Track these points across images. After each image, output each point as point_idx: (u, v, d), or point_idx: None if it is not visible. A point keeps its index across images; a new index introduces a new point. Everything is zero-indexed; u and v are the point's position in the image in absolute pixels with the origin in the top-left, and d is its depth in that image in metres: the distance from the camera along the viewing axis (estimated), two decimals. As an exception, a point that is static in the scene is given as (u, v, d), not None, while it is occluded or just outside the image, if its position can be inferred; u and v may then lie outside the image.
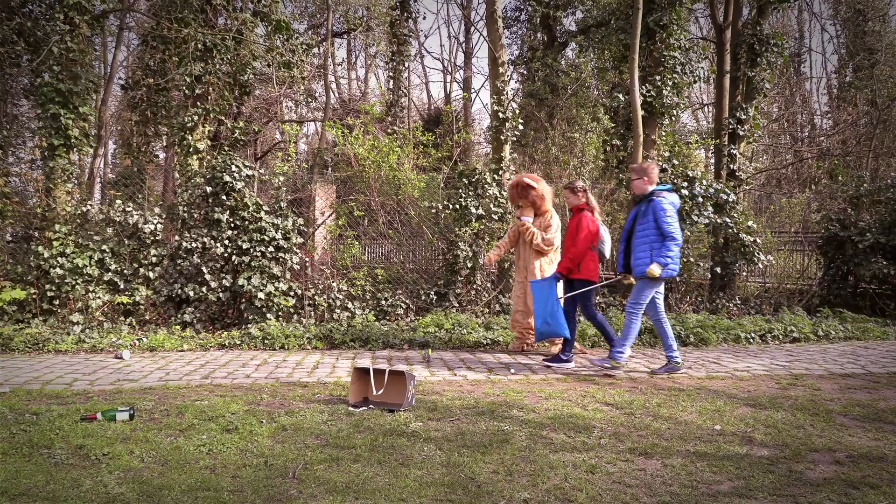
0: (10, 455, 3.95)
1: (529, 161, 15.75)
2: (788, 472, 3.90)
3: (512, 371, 6.75)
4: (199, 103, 10.75)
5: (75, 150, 9.60)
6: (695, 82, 13.32)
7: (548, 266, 7.68)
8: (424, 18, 52.45)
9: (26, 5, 10.55)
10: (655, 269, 6.32)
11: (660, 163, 10.93)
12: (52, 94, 9.26)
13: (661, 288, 6.75)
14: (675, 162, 11.11)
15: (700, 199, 10.40)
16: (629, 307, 6.65)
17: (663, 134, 11.84)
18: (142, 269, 8.86)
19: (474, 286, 9.95)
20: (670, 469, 3.92)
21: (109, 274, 8.79)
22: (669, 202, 6.46)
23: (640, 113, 10.95)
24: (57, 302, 8.70)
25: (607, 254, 7.30)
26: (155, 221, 9.11)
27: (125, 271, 8.88)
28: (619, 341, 6.69)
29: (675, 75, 11.67)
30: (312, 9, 21.41)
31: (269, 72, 13.38)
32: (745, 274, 12.04)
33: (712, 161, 15.21)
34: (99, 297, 8.68)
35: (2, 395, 5.44)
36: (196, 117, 10.66)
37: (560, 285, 7.22)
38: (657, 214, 6.39)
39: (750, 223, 10.82)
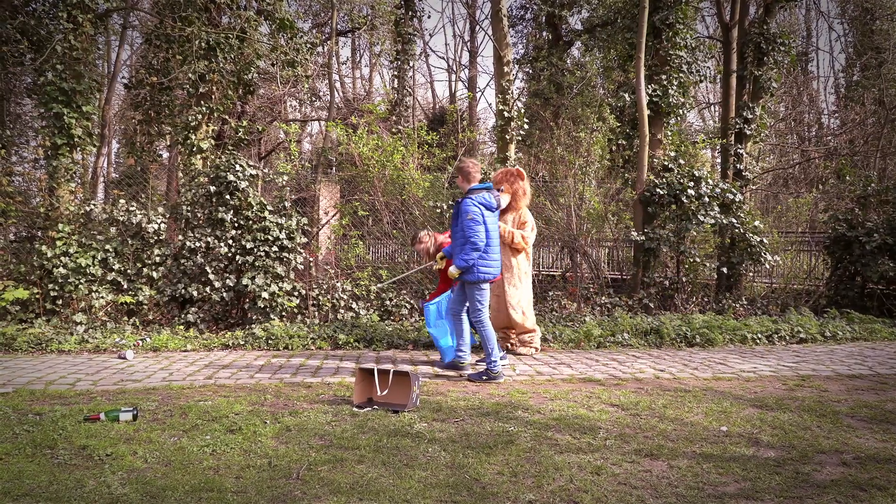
0: (14, 455, 3.94)
1: (534, 160, 15.71)
2: (795, 474, 3.87)
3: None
4: (202, 102, 10.73)
5: (78, 149, 9.60)
6: (701, 81, 13.26)
7: (524, 262, 7.56)
8: (429, 17, 52.57)
9: (30, 4, 10.55)
10: (453, 271, 6.23)
11: (665, 162, 10.89)
12: (55, 93, 9.26)
13: (488, 290, 6.49)
14: (682, 161, 11.06)
15: (706, 199, 10.34)
16: (471, 317, 6.44)
17: (669, 133, 11.79)
18: (145, 269, 8.85)
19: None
20: (676, 470, 3.89)
21: (113, 274, 8.78)
22: (478, 203, 6.20)
23: (646, 112, 10.91)
24: (60, 302, 8.69)
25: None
26: (158, 221, 9.09)
27: (128, 271, 8.86)
28: (486, 351, 6.36)
29: (681, 74, 11.61)
30: (317, 7, 21.41)
31: (273, 71, 13.36)
32: (751, 274, 11.98)
33: (719, 161, 15.16)
34: (102, 297, 8.66)
35: (5, 396, 5.42)
36: (200, 116, 10.64)
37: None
38: (461, 216, 6.19)
39: (757, 223, 10.77)
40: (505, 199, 7.46)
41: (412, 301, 9.61)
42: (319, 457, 4.00)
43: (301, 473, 3.73)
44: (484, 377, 6.26)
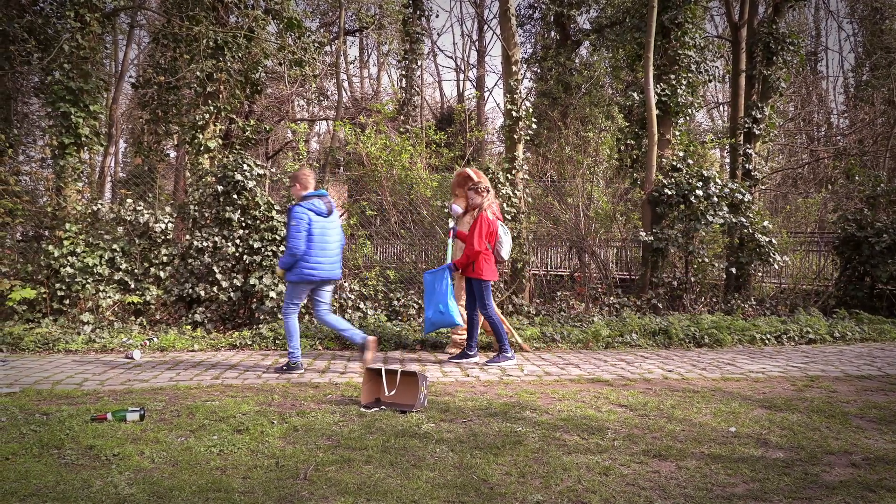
0: (21, 455, 3.93)
1: (543, 160, 15.68)
2: (804, 475, 3.84)
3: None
4: (210, 102, 10.74)
5: (86, 148, 9.62)
6: (710, 81, 13.21)
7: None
8: (437, 16, 52.48)
9: (37, 3, 10.58)
10: (277, 269, 6.43)
11: (674, 162, 10.84)
12: (62, 93, 9.28)
13: (325, 290, 6.70)
14: (690, 161, 11.02)
15: (715, 199, 10.30)
16: (283, 307, 6.68)
17: (678, 133, 11.75)
18: (152, 269, 8.86)
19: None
20: (685, 471, 3.87)
21: (120, 273, 8.79)
22: (308, 209, 6.42)
23: (655, 112, 10.87)
24: (67, 301, 8.70)
25: (505, 255, 7.21)
26: (166, 220, 9.10)
27: (136, 271, 8.87)
28: (289, 343, 6.60)
29: (690, 74, 11.57)
30: (325, 6, 21.41)
31: (280, 70, 13.37)
32: (760, 274, 11.94)
33: (727, 160, 15.09)
34: (109, 297, 8.68)
35: (12, 395, 5.43)
36: (207, 116, 10.65)
37: (447, 276, 7.06)
38: (288, 221, 6.45)
39: (766, 223, 10.72)
40: (456, 207, 7.60)
41: (420, 301, 9.59)
42: (327, 457, 3.98)
43: (308, 474, 3.71)
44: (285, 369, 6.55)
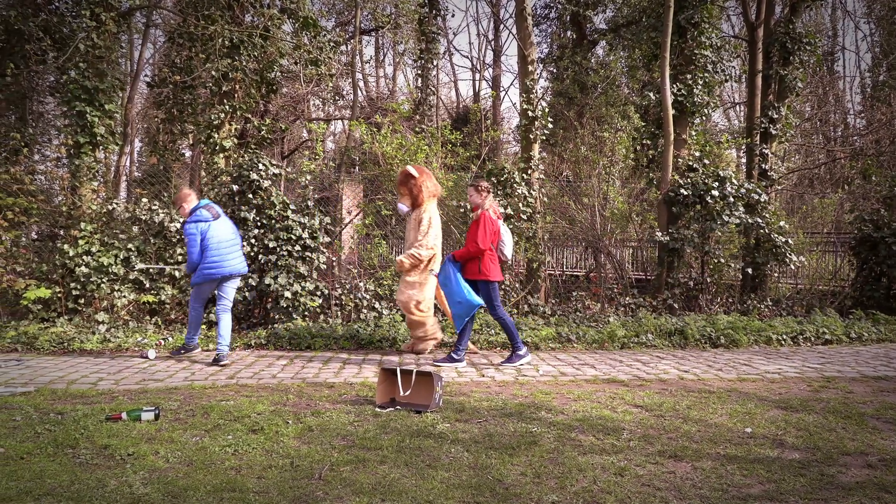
0: (35, 455, 3.95)
1: (559, 160, 15.63)
2: (820, 476, 3.81)
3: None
4: (225, 101, 10.78)
5: (101, 147, 9.67)
6: (726, 81, 13.13)
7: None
8: (453, 16, 52.56)
9: (52, 2, 10.64)
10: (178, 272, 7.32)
11: (690, 162, 10.77)
12: (78, 92, 9.32)
13: (227, 286, 7.20)
14: (706, 161, 10.94)
15: (731, 199, 10.23)
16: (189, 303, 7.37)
17: (694, 133, 11.66)
18: (167, 269, 8.88)
19: (502, 286, 9.85)
20: (700, 472, 3.85)
21: (135, 273, 8.83)
22: (195, 221, 7.03)
23: (671, 112, 10.81)
24: (82, 301, 8.75)
25: (508, 254, 7.19)
26: (181, 220, 9.12)
27: (151, 270, 8.90)
28: (189, 331, 7.35)
29: (706, 74, 11.48)
30: (340, 6, 21.46)
31: (296, 69, 13.41)
32: (776, 275, 11.83)
33: (744, 161, 14.98)
34: (124, 296, 8.71)
35: (27, 395, 5.46)
36: (223, 115, 10.68)
37: (451, 269, 7.04)
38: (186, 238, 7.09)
39: (782, 223, 10.63)
40: (402, 205, 7.60)
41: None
42: (342, 457, 3.97)
43: (323, 474, 3.70)
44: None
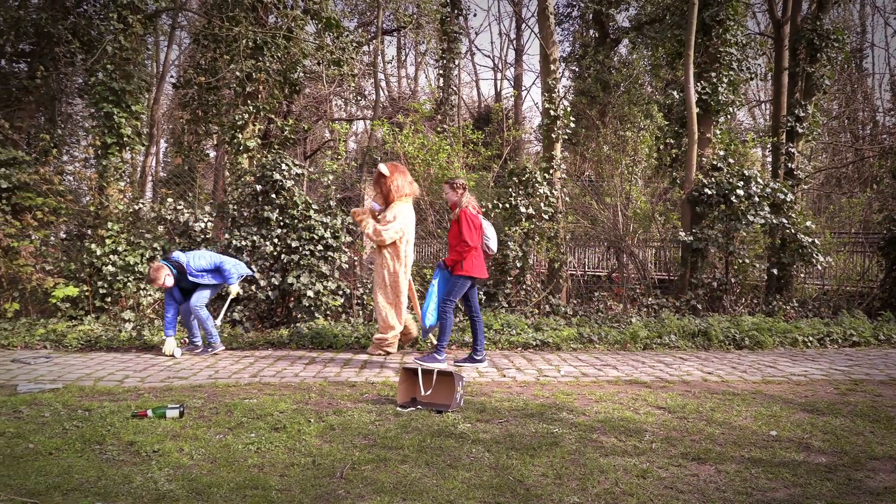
0: (63, 451, 4.01)
1: (580, 159, 15.57)
2: (847, 480, 3.76)
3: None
4: (249, 102, 10.86)
5: (128, 148, 9.79)
6: (752, 79, 12.96)
7: (391, 260, 7.32)
8: (475, 15, 52.43)
9: (81, 5, 10.79)
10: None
11: (714, 161, 10.68)
12: (105, 93, 9.44)
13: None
14: (731, 160, 10.83)
15: (756, 199, 10.11)
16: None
17: (719, 132, 11.55)
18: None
19: (524, 286, 9.83)
20: (724, 475, 3.81)
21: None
22: (200, 272, 7.48)
23: (695, 110, 10.72)
24: (109, 299, 8.87)
25: (494, 248, 7.10)
26: (205, 220, 9.22)
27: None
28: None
29: (731, 72, 11.36)
30: (363, 6, 21.50)
31: (318, 70, 13.46)
32: (802, 276, 11.69)
33: (769, 160, 14.81)
34: (150, 295, 8.82)
35: (55, 392, 5.55)
36: (246, 116, 10.76)
37: (436, 276, 6.97)
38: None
39: (808, 223, 10.49)
40: (375, 204, 7.58)
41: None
42: (363, 456, 3.99)
43: (345, 472, 3.72)
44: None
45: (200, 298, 7.48)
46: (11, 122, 10.47)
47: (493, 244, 7.12)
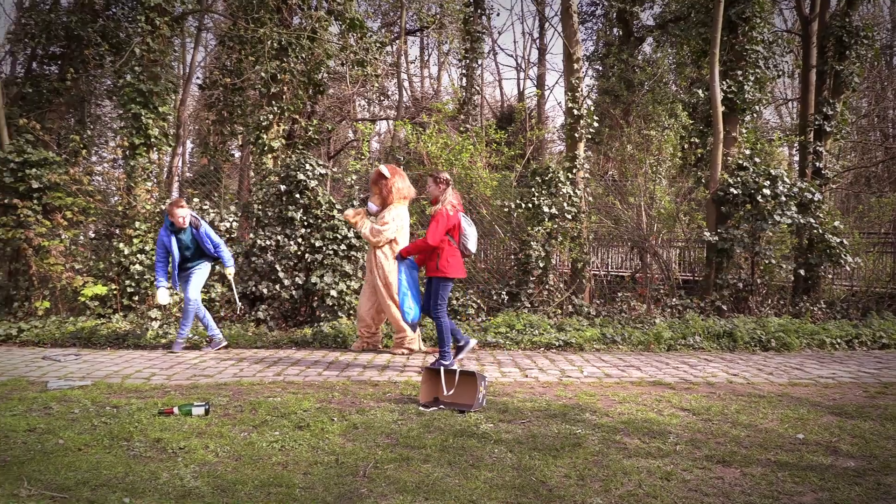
0: (92, 447, 4.08)
1: (604, 159, 15.48)
2: (876, 485, 3.70)
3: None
4: (273, 102, 10.95)
5: (155, 149, 9.91)
6: (778, 77, 12.81)
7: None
8: (498, 15, 52.39)
9: (110, 8, 10.95)
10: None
11: (740, 160, 10.57)
12: (133, 95, 9.57)
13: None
14: (757, 160, 10.70)
15: (783, 199, 9.99)
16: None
17: (744, 130, 11.43)
18: (217, 267, 9.07)
19: (547, 287, 9.80)
20: (750, 478, 3.77)
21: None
22: (166, 227, 7.62)
23: (721, 109, 10.61)
24: (136, 298, 9.00)
25: (472, 248, 6.77)
26: (230, 219, 9.32)
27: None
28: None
29: (757, 70, 11.23)
30: (386, 6, 21.58)
31: (342, 70, 13.54)
32: (830, 276, 11.51)
33: (796, 159, 14.63)
34: (176, 294, 8.93)
35: (84, 388, 5.64)
36: (271, 116, 10.85)
37: (399, 270, 6.82)
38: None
39: (837, 223, 10.34)
40: (372, 204, 7.61)
41: (479, 300, 9.59)
42: (386, 455, 4.01)
43: (368, 471, 3.74)
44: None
45: (194, 289, 7.63)
46: (43, 123, 10.66)
47: (472, 245, 6.78)
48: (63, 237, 9.10)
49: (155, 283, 7.64)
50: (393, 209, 7.48)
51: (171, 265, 7.62)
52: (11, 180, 9.13)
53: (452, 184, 6.87)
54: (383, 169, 7.53)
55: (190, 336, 7.96)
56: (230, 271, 7.91)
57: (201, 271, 7.76)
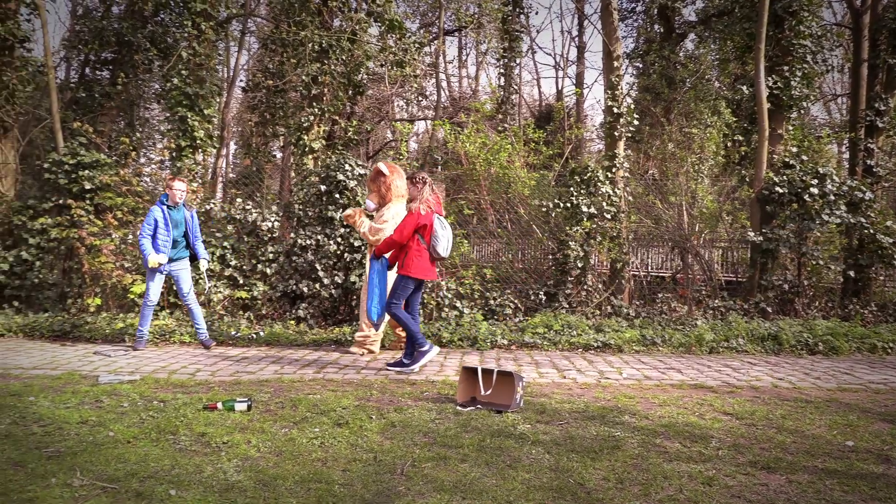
0: (140, 439, 4.18)
1: (644, 158, 15.30)
2: (931, 496, 3.57)
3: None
4: (314, 104, 11.07)
5: (200, 150, 10.12)
6: (828, 72, 12.53)
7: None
8: (536, 13, 52.11)
9: (158, 13, 11.21)
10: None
11: (786, 158, 10.36)
12: (180, 98, 9.79)
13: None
14: (804, 157, 10.47)
15: (832, 198, 9.76)
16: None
17: (791, 128, 11.19)
18: (259, 266, 9.22)
19: (585, 287, 9.74)
20: (796, 486, 3.68)
21: (230, 269, 9.20)
22: (158, 205, 7.58)
23: (766, 106, 10.41)
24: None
25: (442, 251, 6.55)
26: (272, 219, 9.45)
27: (244, 267, 9.26)
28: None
29: (805, 65, 10.98)
30: (424, 7, 21.66)
31: (381, 71, 13.63)
32: (882, 278, 11.20)
33: (846, 156, 14.27)
34: (220, 292, 9.09)
35: (133, 383, 5.78)
36: (312, 118, 10.98)
37: (373, 268, 6.75)
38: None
39: (889, 223, 10.06)
40: (370, 202, 7.55)
41: (516, 300, 9.56)
42: (423, 454, 4.03)
43: (405, 469, 3.76)
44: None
45: (185, 284, 7.72)
46: (95, 126, 10.97)
47: (442, 248, 6.58)
48: (113, 236, 9.34)
49: (142, 251, 7.42)
50: (392, 207, 7.47)
51: (161, 240, 7.50)
52: (66, 181, 9.41)
53: (431, 184, 6.73)
54: (382, 167, 7.52)
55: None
56: (204, 264, 7.85)
57: (187, 269, 7.81)
